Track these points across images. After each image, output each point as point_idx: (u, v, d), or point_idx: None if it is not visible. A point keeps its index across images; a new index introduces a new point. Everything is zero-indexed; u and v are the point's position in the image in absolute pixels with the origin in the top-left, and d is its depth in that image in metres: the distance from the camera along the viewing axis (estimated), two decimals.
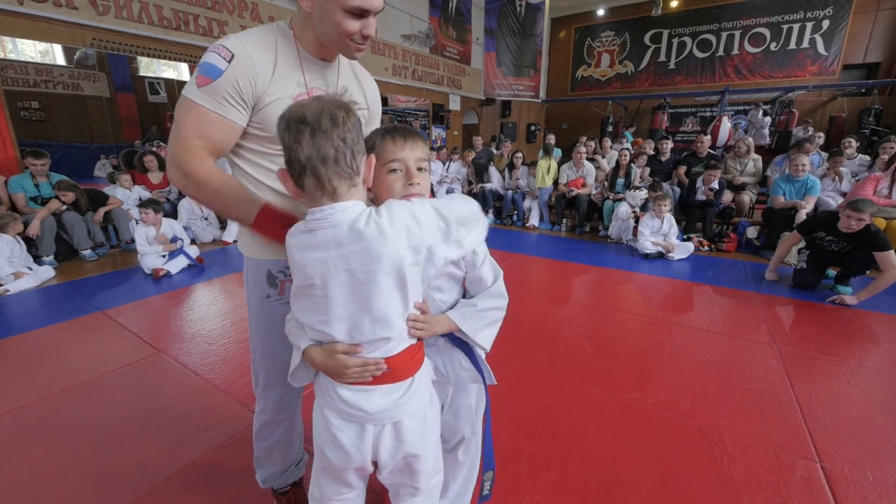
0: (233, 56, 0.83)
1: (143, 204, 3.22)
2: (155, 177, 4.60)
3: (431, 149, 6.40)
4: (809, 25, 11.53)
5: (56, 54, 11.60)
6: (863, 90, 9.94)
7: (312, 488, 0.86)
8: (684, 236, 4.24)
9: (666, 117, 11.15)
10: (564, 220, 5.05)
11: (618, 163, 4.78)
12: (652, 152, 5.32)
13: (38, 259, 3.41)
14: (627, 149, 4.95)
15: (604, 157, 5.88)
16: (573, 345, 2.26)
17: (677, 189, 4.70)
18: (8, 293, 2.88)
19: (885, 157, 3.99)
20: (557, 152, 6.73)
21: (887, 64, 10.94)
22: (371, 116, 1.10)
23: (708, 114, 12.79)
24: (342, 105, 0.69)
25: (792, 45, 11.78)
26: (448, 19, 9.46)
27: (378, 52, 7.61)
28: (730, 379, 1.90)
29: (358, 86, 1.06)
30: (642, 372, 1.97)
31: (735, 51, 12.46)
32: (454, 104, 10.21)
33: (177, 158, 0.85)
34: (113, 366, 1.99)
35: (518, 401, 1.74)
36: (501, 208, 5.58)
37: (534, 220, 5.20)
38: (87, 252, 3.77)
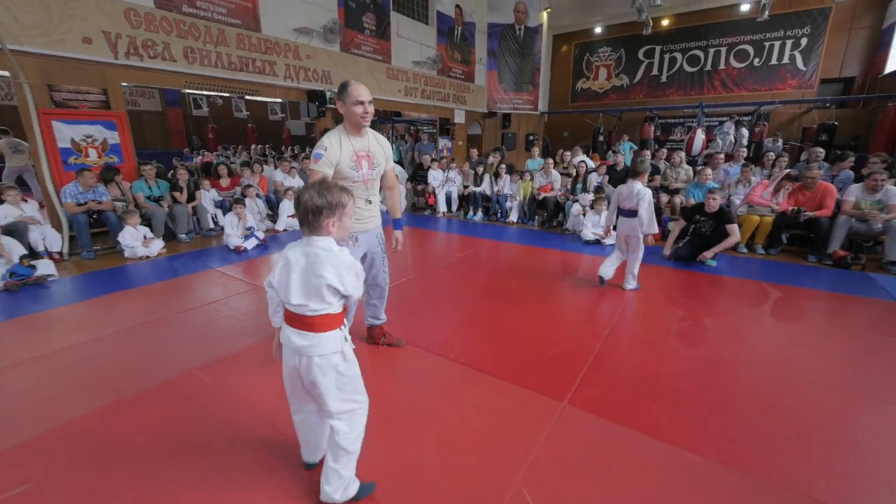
0: (326, 149, 1.99)
1: (237, 201, 4.73)
2: (224, 181, 6.13)
3: (433, 160, 7.81)
4: (789, 42, 12.49)
5: None
6: (827, 104, 10.90)
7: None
8: None
9: (653, 128, 12.29)
10: (536, 217, 6.38)
11: (577, 172, 6.10)
12: (612, 162, 6.62)
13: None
14: (584, 161, 6.25)
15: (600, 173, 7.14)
16: (513, 288, 3.61)
17: None
18: (151, 257, 4.44)
19: (777, 168, 5.20)
20: (540, 162, 8.02)
21: (861, 78, 11.84)
22: (386, 159, 2.29)
23: (694, 124, 13.76)
24: (317, 194, 1.25)
25: (774, 61, 12.76)
26: (454, 45, 10.88)
27: (392, 77, 9.08)
28: (592, 302, 3.22)
29: (377, 144, 2.19)
30: (543, 297, 3.30)
31: (722, 66, 13.49)
32: (459, 118, 11.60)
33: None
34: (231, 293, 3.45)
35: (460, 307, 3.10)
36: (489, 207, 6.94)
37: (513, 217, 6.55)
38: (183, 236, 5.30)
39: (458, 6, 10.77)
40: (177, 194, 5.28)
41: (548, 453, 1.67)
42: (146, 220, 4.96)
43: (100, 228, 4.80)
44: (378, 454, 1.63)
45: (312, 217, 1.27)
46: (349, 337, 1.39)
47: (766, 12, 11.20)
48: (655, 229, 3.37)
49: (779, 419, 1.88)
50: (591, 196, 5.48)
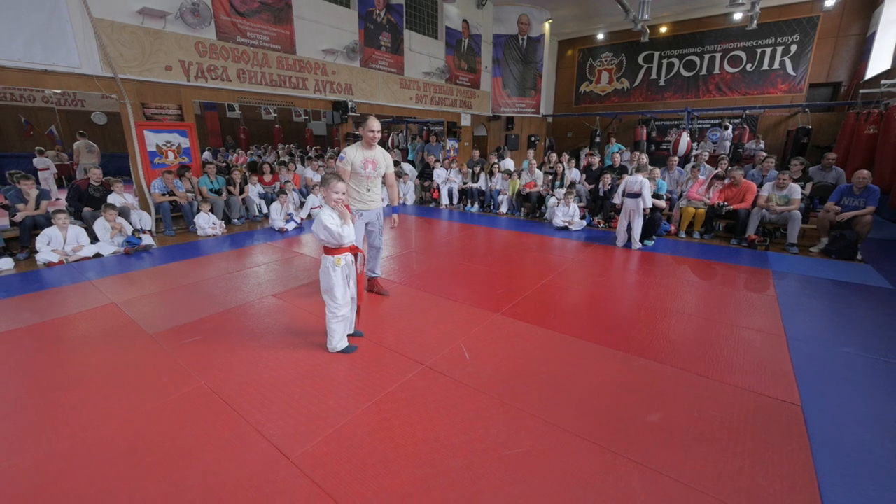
0: (346, 153, 3.37)
1: (281, 192, 6.11)
2: (267, 177, 7.54)
3: (436, 160, 9.07)
4: (780, 49, 13.23)
5: None
6: (805, 109, 11.67)
7: None
8: (591, 217, 6.70)
9: (645, 131, 13.25)
10: (522, 209, 7.59)
11: (555, 171, 7.27)
12: (587, 163, 7.76)
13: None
14: (562, 163, 7.42)
15: (570, 167, 8.31)
16: (489, 257, 4.85)
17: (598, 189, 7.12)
18: (217, 236, 5.84)
19: (720, 169, 6.27)
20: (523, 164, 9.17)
21: (847, 84, 12.51)
22: (387, 165, 3.56)
23: (689, 126, 14.57)
24: (321, 176, 3.08)
25: (765, 66, 13.52)
26: (461, 56, 12.09)
27: (405, 86, 10.36)
28: (542, 265, 4.43)
29: (381, 155, 3.51)
30: (509, 262, 4.52)
31: (717, 70, 14.30)
32: (465, 121, 12.81)
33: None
34: (281, 258, 4.80)
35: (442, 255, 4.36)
36: (484, 200, 8.17)
37: (503, 208, 7.77)
38: (236, 220, 6.71)
39: (465, 21, 11.97)
40: (231, 188, 6.69)
41: (480, 332, 2.93)
42: (210, 208, 6.37)
43: (176, 213, 6.24)
44: (383, 329, 2.92)
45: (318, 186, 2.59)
46: (339, 268, 2.52)
47: (755, 22, 12.02)
48: (650, 204, 5.17)
49: (628, 322, 3.08)
50: (563, 191, 6.65)
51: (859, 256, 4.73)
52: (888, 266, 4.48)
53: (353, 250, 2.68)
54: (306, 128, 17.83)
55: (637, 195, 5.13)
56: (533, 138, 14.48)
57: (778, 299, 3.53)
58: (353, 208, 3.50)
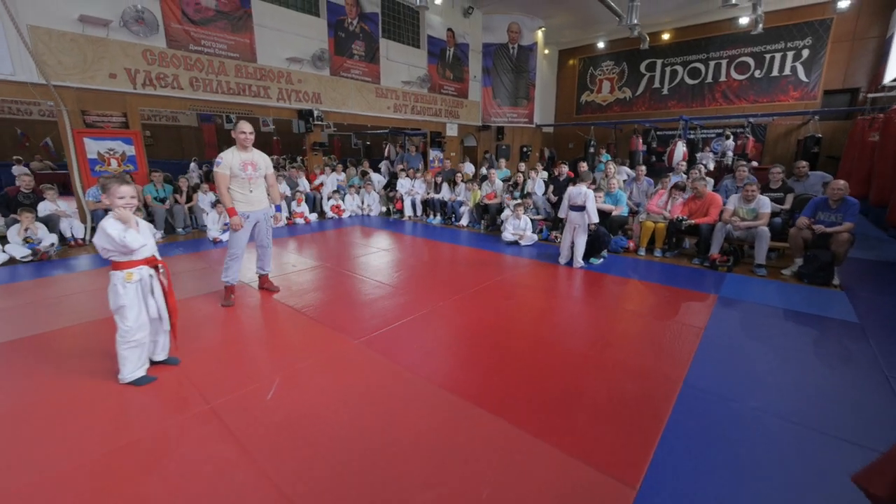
0: (223, 159, 3.22)
1: (217, 202, 5.91)
2: None
3: (402, 169, 8.71)
4: (790, 54, 12.38)
5: None
6: (813, 117, 10.74)
7: None
8: (549, 232, 6.15)
9: (640, 140, 12.56)
10: (483, 221, 7.11)
11: (516, 181, 6.78)
12: (557, 173, 7.23)
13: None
14: (523, 172, 6.92)
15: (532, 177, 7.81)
16: (432, 266, 4.41)
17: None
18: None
19: (681, 179, 5.63)
20: (506, 172, 8.71)
21: (866, 89, 11.50)
22: (266, 166, 3.46)
23: (690, 136, 13.81)
24: (104, 181, 2.22)
25: (775, 73, 12.66)
26: (446, 64, 11.83)
27: (381, 95, 10.15)
28: (446, 286, 3.96)
29: (260, 157, 3.41)
30: (420, 277, 4.07)
31: (722, 78, 13.50)
32: (451, 131, 12.48)
33: (220, 188, 3.27)
34: (190, 268, 4.51)
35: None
36: (446, 212, 7.74)
37: (464, 221, 7.31)
38: (180, 229, 6.53)
39: (449, 29, 11.74)
40: (178, 196, 6.53)
41: (315, 364, 2.49)
42: (150, 217, 6.23)
43: None
44: (207, 356, 2.52)
45: None
46: (131, 284, 2.21)
47: (761, 25, 11.29)
48: (596, 219, 4.66)
49: (497, 359, 2.57)
50: (516, 202, 6.15)
51: (836, 281, 4.01)
52: (867, 294, 3.75)
53: (152, 262, 2.33)
54: (304, 139, 17.97)
55: (581, 208, 4.59)
56: (525, 149, 14.00)
57: (703, 334, 2.93)
58: (239, 210, 3.38)
